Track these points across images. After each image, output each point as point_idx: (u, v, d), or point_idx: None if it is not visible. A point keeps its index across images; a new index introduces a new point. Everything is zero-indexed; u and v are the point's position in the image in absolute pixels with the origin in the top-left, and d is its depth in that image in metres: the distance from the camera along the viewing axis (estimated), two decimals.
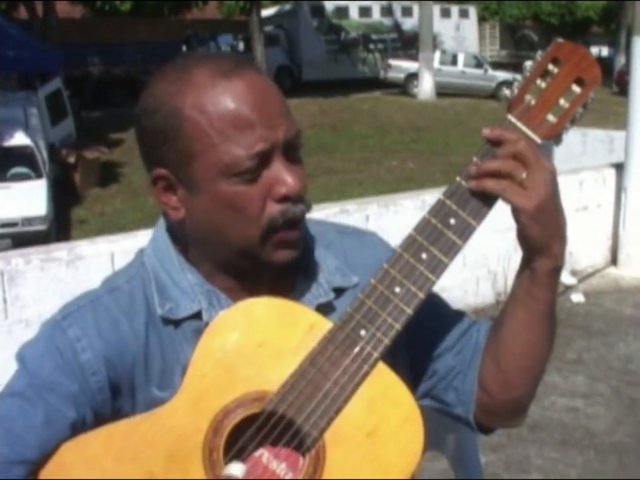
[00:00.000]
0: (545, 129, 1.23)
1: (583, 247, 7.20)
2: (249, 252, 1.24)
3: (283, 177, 1.21)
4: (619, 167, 7.44)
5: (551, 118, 1.24)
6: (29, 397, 1.20)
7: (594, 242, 7.41)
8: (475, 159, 1.22)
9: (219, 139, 1.19)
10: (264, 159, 1.20)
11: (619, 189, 7.38)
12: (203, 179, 1.21)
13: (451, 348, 1.40)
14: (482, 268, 6.27)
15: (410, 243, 1.22)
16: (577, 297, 6.74)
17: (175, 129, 1.20)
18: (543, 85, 1.24)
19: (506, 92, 1.26)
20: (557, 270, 1.26)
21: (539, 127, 1.23)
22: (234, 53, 1.36)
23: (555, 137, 1.25)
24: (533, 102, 1.24)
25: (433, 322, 1.38)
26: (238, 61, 1.25)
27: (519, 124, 1.23)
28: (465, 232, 1.22)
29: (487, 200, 1.22)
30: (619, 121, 8.18)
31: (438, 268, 1.21)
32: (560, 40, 1.25)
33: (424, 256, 1.21)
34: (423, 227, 1.22)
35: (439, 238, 1.22)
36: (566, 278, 6.97)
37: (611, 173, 7.45)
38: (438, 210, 1.23)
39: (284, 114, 1.23)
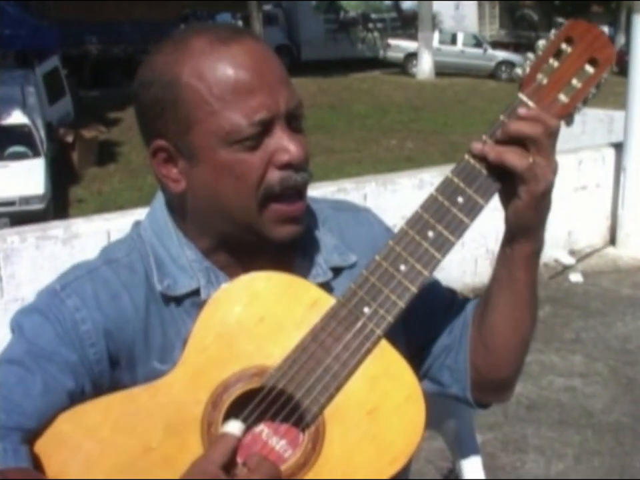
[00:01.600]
0: (556, 109, 1.22)
1: (582, 227, 7.19)
2: (249, 224, 1.23)
3: (285, 144, 1.20)
4: (618, 147, 7.41)
5: (562, 98, 1.22)
6: (28, 365, 1.19)
7: (593, 222, 7.39)
8: (484, 137, 1.21)
9: (219, 106, 1.18)
10: (265, 127, 1.19)
11: (618, 168, 7.35)
12: (203, 147, 1.19)
13: (444, 327, 1.40)
14: (480, 247, 6.25)
15: (416, 220, 1.21)
16: (575, 277, 6.74)
17: (173, 98, 1.19)
18: (556, 64, 1.22)
19: (517, 70, 1.24)
20: (539, 252, 1.28)
21: (549, 107, 1.21)
22: (232, 24, 1.34)
23: (566, 116, 1.23)
24: (544, 81, 1.22)
25: (428, 301, 1.37)
26: (236, 29, 1.24)
27: (529, 103, 1.21)
28: (473, 210, 1.21)
29: (495, 178, 1.21)
30: (619, 100, 8.13)
31: (444, 246, 1.20)
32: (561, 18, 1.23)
33: (430, 234, 1.20)
34: (430, 205, 1.21)
35: (446, 216, 1.20)
36: (564, 258, 6.96)
37: (610, 153, 7.42)
38: (445, 187, 1.21)
39: (284, 81, 1.22)
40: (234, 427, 1.14)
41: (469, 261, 6.29)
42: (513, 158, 1.18)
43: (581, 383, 4.86)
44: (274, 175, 1.20)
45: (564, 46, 1.22)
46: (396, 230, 1.27)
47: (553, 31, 1.24)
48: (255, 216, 1.22)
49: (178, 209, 1.29)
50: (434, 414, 1.23)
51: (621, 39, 31.49)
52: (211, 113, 1.18)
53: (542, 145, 1.18)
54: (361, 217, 1.47)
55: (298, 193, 1.24)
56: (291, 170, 1.21)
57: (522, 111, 1.19)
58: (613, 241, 7.49)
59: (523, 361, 1.38)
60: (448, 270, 5.80)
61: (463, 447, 1.92)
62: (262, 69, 1.19)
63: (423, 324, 1.39)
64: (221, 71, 1.18)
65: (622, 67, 8.85)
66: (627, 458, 4.04)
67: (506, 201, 1.24)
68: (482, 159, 1.20)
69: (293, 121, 1.22)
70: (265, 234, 1.23)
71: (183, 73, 1.19)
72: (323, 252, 1.34)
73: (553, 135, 1.19)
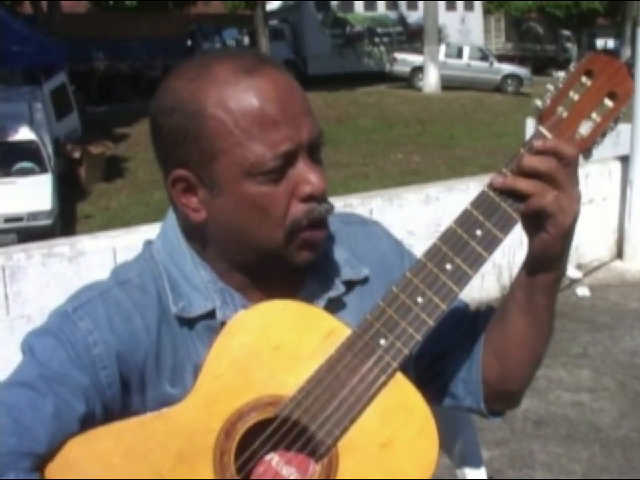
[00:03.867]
0: (575, 143, 1.20)
1: (589, 241, 7.17)
2: (273, 253, 1.23)
3: (308, 176, 1.20)
4: (625, 160, 7.41)
5: (582, 131, 1.21)
6: (39, 388, 1.18)
7: (599, 235, 7.38)
8: (504, 170, 1.19)
9: (243, 138, 1.17)
10: (289, 159, 1.19)
11: (625, 181, 7.35)
12: (227, 178, 1.19)
13: (457, 340, 1.40)
14: (487, 262, 6.24)
15: (435, 253, 1.20)
16: (582, 291, 6.72)
17: (196, 127, 1.18)
18: (576, 97, 1.20)
19: (537, 102, 1.22)
20: (561, 278, 1.28)
21: (569, 141, 1.20)
22: (254, 51, 1.33)
23: (585, 150, 1.22)
24: (564, 114, 1.20)
25: (445, 319, 1.37)
26: (260, 58, 1.23)
27: (550, 136, 1.20)
28: (491, 244, 1.20)
29: (514, 212, 1.20)
30: (625, 113, 8.13)
31: (462, 279, 1.20)
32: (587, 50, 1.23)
33: (448, 266, 1.20)
34: (449, 237, 1.20)
35: (464, 249, 1.20)
36: (571, 271, 6.94)
37: (617, 166, 7.42)
38: (464, 220, 1.20)
39: (307, 113, 1.22)
40: None
41: (476, 275, 6.26)
42: (537, 198, 1.17)
43: (589, 397, 4.84)
44: (298, 208, 1.21)
45: (584, 79, 1.21)
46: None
47: (573, 63, 1.23)
48: (280, 245, 1.22)
49: (197, 236, 1.28)
50: (442, 432, 1.22)
51: (626, 52, 31.52)
52: (236, 144, 1.17)
53: (558, 178, 1.17)
54: (370, 230, 1.47)
55: (322, 222, 1.25)
56: (314, 202, 1.22)
57: (538, 143, 1.18)
58: (620, 254, 7.49)
59: (535, 373, 1.39)
60: None
61: (467, 461, 1.92)
62: (286, 100, 1.19)
63: (436, 337, 1.38)
64: (246, 102, 1.17)
65: None
66: (635, 473, 4.02)
67: (530, 232, 1.23)
68: (501, 191, 1.19)
69: (314, 152, 1.23)
70: (287, 259, 1.24)
71: (207, 103, 1.18)
72: (335, 266, 1.34)
73: (571, 164, 1.18)
